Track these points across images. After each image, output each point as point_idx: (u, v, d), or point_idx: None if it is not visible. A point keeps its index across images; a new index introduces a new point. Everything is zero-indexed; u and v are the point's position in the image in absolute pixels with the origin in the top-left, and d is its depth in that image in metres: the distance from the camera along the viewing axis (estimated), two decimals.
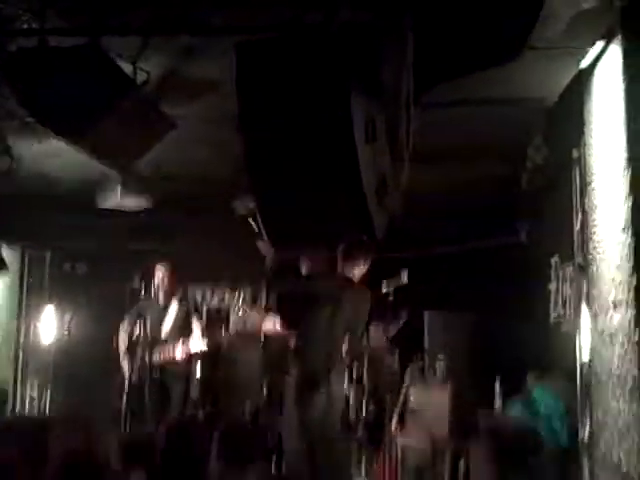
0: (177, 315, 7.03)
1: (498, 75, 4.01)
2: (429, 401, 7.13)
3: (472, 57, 3.75)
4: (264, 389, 8.43)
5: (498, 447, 6.16)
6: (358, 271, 5.57)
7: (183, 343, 6.85)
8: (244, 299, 9.64)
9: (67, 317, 9.40)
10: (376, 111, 3.73)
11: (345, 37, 3.52)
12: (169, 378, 6.87)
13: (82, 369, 8.87)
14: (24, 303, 9.63)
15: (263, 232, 3.85)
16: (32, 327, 9.65)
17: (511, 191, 6.24)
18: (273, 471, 6.84)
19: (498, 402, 6.65)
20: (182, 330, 7.00)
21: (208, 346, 7.17)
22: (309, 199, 3.66)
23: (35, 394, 9.27)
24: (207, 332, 7.24)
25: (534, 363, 6.52)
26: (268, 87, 3.58)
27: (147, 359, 6.79)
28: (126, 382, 6.73)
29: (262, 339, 8.73)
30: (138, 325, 6.86)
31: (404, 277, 5.72)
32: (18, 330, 9.58)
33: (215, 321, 9.32)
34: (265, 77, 3.58)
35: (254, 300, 9.67)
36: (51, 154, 5.86)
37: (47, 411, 9.37)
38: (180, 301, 7.14)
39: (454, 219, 7.13)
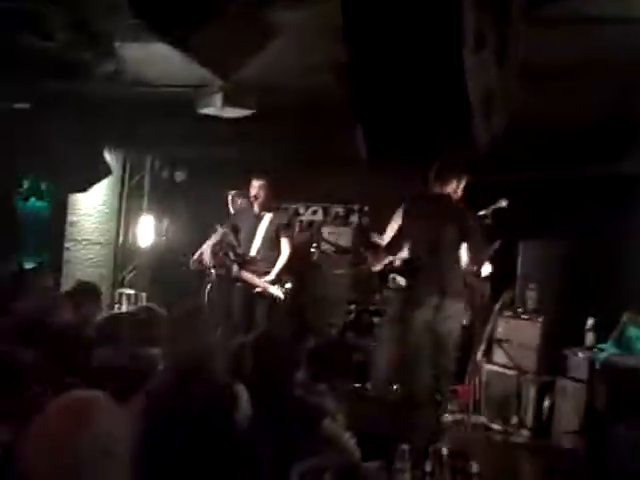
0: (267, 230, 7.10)
1: None
2: (518, 331, 7.05)
3: None
4: (352, 307, 8.52)
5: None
6: (451, 190, 5.50)
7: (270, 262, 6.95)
8: (337, 216, 9.66)
9: (165, 223, 9.65)
10: (486, 23, 3.58)
11: None
12: (255, 295, 6.99)
13: (177, 274, 9.10)
14: (124, 207, 9.92)
15: (362, 145, 3.78)
16: (131, 230, 9.96)
17: (623, 118, 5.95)
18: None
19: (590, 338, 6.51)
20: (272, 247, 7.08)
21: (295, 264, 7.26)
22: (411, 110, 3.55)
23: (132, 293, 9.60)
24: (296, 249, 7.31)
25: (631, 302, 6.34)
26: None
27: (234, 273, 6.94)
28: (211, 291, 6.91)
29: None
30: (229, 236, 7.00)
31: (503, 202, 5.59)
32: (117, 232, 9.89)
33: (306, 236, 9.40)
34: None
35: (346, 217, 9.68)
36: (153, 59, 5.89)
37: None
38: (273, 215, 7.19)
39: (560, 143, 6.86)
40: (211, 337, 3.39)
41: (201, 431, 3.06)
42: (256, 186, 7.06)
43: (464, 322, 6.01)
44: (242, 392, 3.28)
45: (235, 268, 6.91)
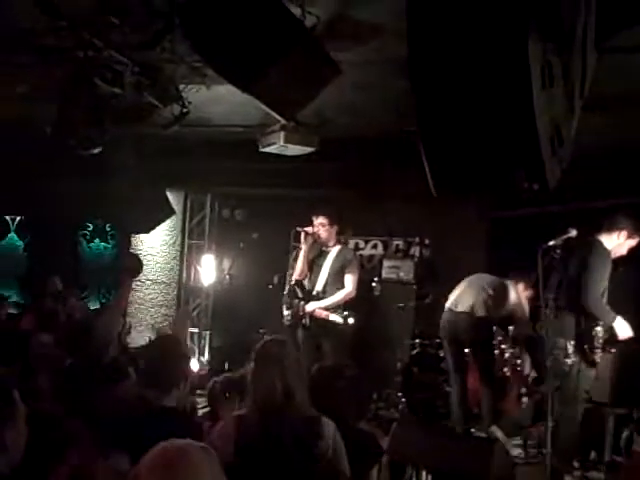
0: (333, 265, 7.10)
1: None
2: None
3: None
4: (417, 341, 8.45)
5: None
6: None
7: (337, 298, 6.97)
8: (397, 249, 9.61)
9: (227, 261, 9.74)
10: (553, 55, 3.55)
11: None
12: (321, 331, 6.99)
13: (240, 312, 9.16)
14: (186, 245, 10.06)
15: (430, 180, 3.76)
16: (193, 269, 10.08)
17: None
18: None
19: None
20: (337, 282, 7.08)
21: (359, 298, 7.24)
22: (480, 146, 3.53)
23: (196, 332, 9.69)
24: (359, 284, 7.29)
25: None
26: (440, 31, 3.46)
27: (301, 309, 6.97)
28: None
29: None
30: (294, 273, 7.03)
31: (573, 231, 5.50)
32: (180, 272, 10.02)
33: (368, 271, 9.37)
34: (437, 20, 3.46)
35: (406, 251, 9.62)
36: (216, 100, 6.00)
37: (207, 350, 9.82)
38: (339, 250, 7.20)
39: (626, 171, 6.76)
40: (295, 371, 3.40)
41: (291, 467, 3.11)
42: (317, 223, 7.08)
43: None
44: (327, 424, 3.29)
45: (302, 304, 6.96)
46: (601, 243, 5.66)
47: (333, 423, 3.30)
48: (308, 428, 3.24)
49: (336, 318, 6.91)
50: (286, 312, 7.03)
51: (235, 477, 2.23)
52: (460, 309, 6.99)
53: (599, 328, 5.67)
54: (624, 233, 5.70)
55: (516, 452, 6.52)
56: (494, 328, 7.26)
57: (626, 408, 6.29)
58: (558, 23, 3.48)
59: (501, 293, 7.02)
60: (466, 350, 7.16)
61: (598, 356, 5.69)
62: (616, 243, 5.69)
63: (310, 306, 6.96)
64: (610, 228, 5.71)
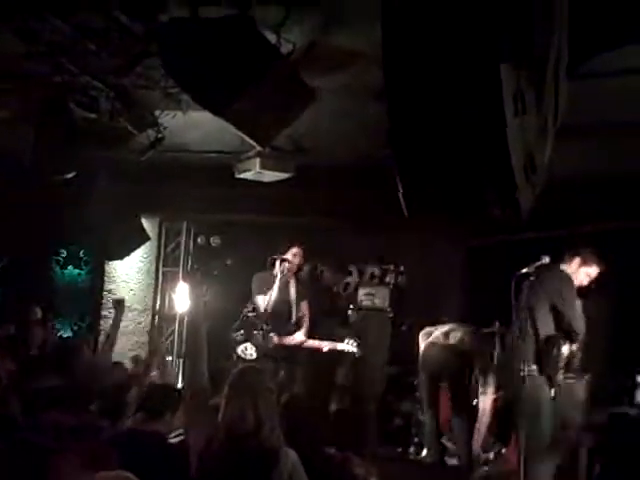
0: (296, 294, 7.09)
1: None
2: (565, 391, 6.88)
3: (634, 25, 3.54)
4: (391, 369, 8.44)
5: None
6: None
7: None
8: (373, 276, 9.60)
9: (204, 287, 9.66)
10: (526, 83, 3.59)
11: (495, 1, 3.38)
12: (288, 359, 6.97)
13: (216, 338, 9.07)
14: (160, 272, 9.97)
15: (403, 205, 3.77)
16: (167, 296, 9.99)
17: None
18: None
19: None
20: (299, 310, 7.08)
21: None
22: (453, 169, 3.55)
23: (170, 359, 9.57)
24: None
25: None
26: (415, 56, 3.49)
27: (266, 338, 6.92)
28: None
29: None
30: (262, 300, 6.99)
31: (545, 258, 5.53)
32: (154, 299, 9.93)
33: (343, 298, 9.35)
34: (412, 46, 3.49)
35: (382, 278, 9.61)
36: (192, 125, 5.99)
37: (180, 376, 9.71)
38: (298, 280, 7.20)
39: (600, 196, 6.82)
40: (267, 401, 3.40)
41: None
42: (295, 252, 7.07)
43: None
44: (286, 457, 3.27)
45: (275, 338, 6.94)
46: (564, 271, 5.73)
47: (294, 452, 3.31)
48: (265, 458, 3.25)
49: (347, 347, 6.97)
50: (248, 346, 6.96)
51: None
52: (450, 342, 7.02)
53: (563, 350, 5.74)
54: (577, 261, 5.75)
55: None
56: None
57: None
58: (531, 50, 3.52)
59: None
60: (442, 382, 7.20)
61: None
62: (572, 270, 5.74)
63: (299, 337, 6.96)
64: (568, 256, 5.78)
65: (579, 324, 5.63)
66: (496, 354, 7.16)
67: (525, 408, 5.38)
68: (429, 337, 7.19)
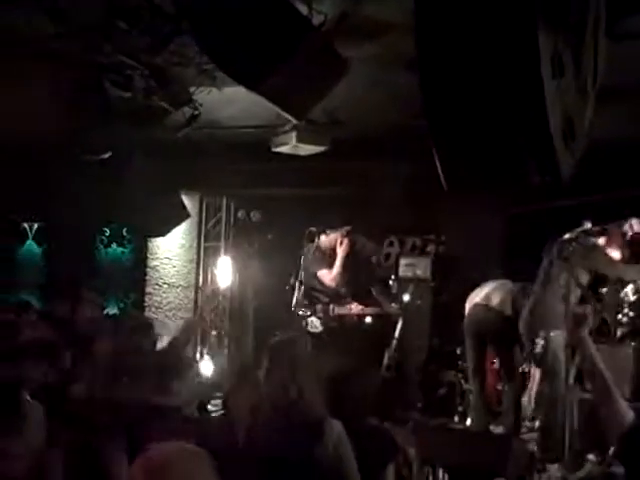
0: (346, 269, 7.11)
1: None
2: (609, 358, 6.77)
3: None
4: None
5: None
6: None
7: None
8: (414, 246, 9.57)
9: (242, 263, 9.73)
10: (563, 45, 3.50)
11: None
12: (348, 331, 7.02)
13: (255, 314, 9.15)
14: (202, 249, 10.05)
15: (442, 178, 3.73)
16: (209, 272, 10.08)
17: None
18: None
19: None
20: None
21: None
22: (491, 140, 3.49)
23: (215, 334, 9.68)
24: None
25: None
26: (449, 24, 3.43)
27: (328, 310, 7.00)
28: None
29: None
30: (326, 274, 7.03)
31: (587, 224, 5.45)
32: (197, 275, 10.02)
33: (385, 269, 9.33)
34: (445, 14, 3.43)
35: (423, 249, 9.57)
36: (227, 101, 5.99)
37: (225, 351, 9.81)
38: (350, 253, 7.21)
39: None
40: (306, 370, 3.42)
41: (282, 466, 3.15)
42: (349, 229, 7.10)
43: None
44: (331, 426, 3.28)
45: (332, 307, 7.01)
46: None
47: (339, 423, 3.29)
48: (309, 429, 3.26)
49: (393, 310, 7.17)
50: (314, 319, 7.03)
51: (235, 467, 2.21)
52: (493, 304, 6.92)
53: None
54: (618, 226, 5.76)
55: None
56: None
57: None
58: (568, 12, 3.44)
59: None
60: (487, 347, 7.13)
61: None
62: (614, 235, 5.70)
63: (355, 306, 7.02)
64: (610, 221, 5.75)
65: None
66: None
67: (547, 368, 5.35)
68: (475, 298, 7.12)
